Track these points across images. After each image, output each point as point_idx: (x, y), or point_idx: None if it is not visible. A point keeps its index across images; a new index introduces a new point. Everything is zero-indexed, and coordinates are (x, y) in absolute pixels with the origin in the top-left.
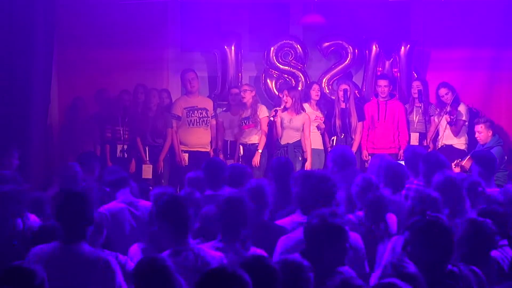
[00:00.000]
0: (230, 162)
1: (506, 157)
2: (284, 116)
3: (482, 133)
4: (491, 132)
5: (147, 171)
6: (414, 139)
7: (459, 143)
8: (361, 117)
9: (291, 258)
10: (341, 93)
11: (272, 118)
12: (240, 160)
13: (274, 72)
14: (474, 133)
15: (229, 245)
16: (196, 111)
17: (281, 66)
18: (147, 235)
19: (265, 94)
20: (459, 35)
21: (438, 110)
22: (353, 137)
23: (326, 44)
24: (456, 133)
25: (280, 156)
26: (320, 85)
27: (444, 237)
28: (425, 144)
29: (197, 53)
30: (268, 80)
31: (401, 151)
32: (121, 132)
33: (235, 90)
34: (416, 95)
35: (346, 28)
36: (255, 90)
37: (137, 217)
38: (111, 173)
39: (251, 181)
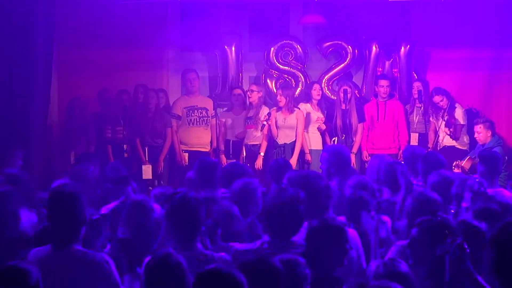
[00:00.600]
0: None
1: (506, 157)
2: (278, 116)
3: (481, 133)
4: (490, 132)
5: (147, 172)
6: (414, 140)
7: (461, 144)
8: (361, 118)
9: (287, 256)
10: (341, 94)
11: (265, 123)
12: (244, 161)
13: (274, 72)
14: (474, 134)
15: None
16: (196, 111)
17: (281, 66)
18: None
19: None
20: (459, 35)
21: (434, 114)
22: (354, 138)
23: (326, 44)
24: (456, 139)
25: (278, 156)
26: (320, 85)
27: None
28: (427, 146)
29: (197, 53)
30: (268, 80)
31: (401, 151)
32: (122, 132)
33: (238, 91)
34: (416, 96)
35: (346, 28)
36: (263, 91)
37: None
38: (113, 171)
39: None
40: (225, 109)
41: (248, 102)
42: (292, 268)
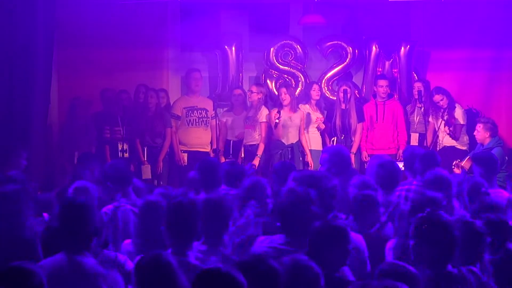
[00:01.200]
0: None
1: (506, 158)
2: (283, 115)
3: (480, 132)
4: (488, 133)
5: (146, 172)
6: (414, 140)
7: (461, 144)
8: (361, 118)
9: (298, 257)
10: (341, 94)
11: (277, 121)
12: (242, 161)
13: (274, 72)
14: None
15: (212, 249)
16: (195, 111)
17: (281, 66)
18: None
19: None
20: (459, 35)
21: (434, 114)
22: (353, 138)
23: (326, 44)
24: (456, 139)
25: (284, 157)
26: (319, 86)
27: (447, 235)
28: (426, 145)
29: (197, 53)
30: (268, 80)
31: (400, 152)
32: (121, 132)
33: (238, 91)
34: (417, 96)
35: (346, 28)
36: (263, 92)
37: None
38: (114, 169)
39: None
40: (225, 109)
41: (249, 103)
42: (306, 268)
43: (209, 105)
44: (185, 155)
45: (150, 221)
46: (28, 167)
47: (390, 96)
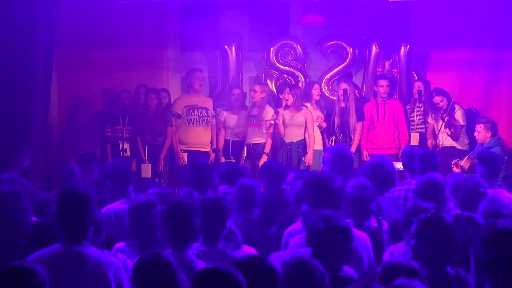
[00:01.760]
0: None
1: (506, 157)
2: (285, 114)
3: (481, 133)
4: (489, 133)
5: (146, 171)
6: (415, 140)
7: (461, 144)
8: (360, 117)
9: (302, 255)
10: (340, 92)
11: (273, 122)
12: (245, 160)
13: (274, 72)
14: (474, 132)
15: (211, 248)
16: (196, 110)
17: (281, 66)
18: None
19: None
20: (459, 36)
21: (434, 115)
22: (352, 137)
23: (326, 44)
24: (456, 139)
25: (285, 154)
26: (320, 85)
27: (448, 235)
28: (427, 145)
29: (197, 53)
30: (268, 80)
31: (401, 151)
32: (122, 131)
33: (237, 91)
34: (416, 96)
35: (346, 28)
36: (267, 91)
37: None
38: (115, 169)
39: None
40: (223, 108)
41: (252, 102)
42: (312, 267)
43: (209, 104)
44: (185, 155)
45: (142, 222)
46: (28, 167)
47: (390, 95)
